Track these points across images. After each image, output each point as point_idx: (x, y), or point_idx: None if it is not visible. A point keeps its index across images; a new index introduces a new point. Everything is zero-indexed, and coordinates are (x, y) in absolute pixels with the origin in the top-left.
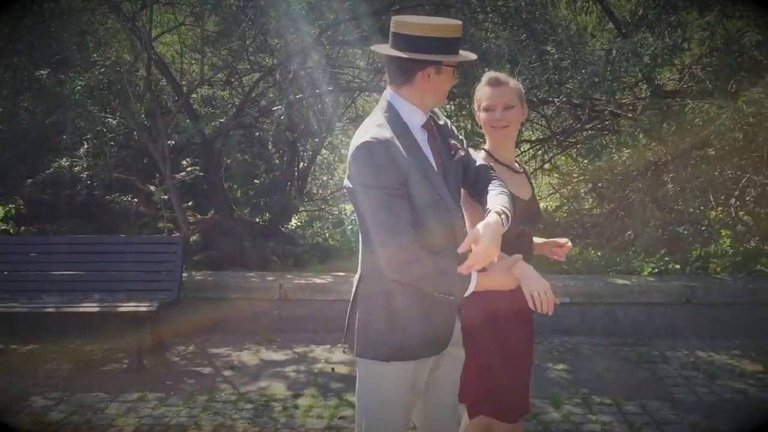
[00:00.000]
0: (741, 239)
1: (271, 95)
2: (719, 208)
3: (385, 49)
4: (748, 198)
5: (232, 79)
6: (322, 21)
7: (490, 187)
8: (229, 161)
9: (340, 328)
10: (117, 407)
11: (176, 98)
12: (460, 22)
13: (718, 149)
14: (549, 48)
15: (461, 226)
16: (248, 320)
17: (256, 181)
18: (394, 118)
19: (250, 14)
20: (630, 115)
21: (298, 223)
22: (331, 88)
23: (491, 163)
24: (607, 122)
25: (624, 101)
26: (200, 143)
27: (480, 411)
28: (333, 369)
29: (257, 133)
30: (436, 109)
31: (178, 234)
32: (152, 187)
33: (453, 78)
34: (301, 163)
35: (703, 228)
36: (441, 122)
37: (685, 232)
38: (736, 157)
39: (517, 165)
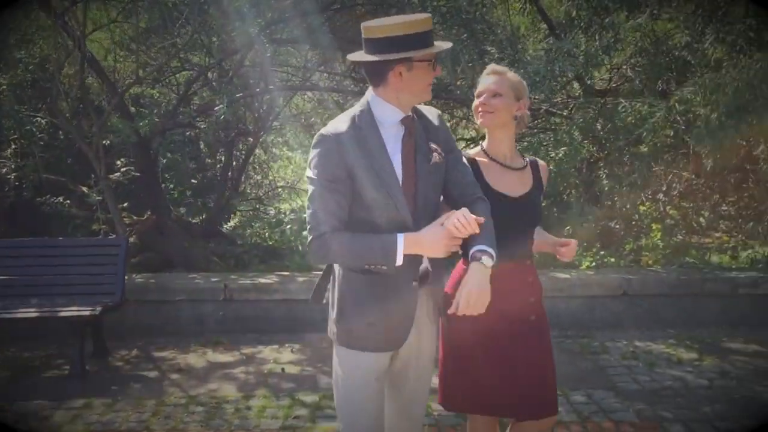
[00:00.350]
0: (670, 233)
1: (204, 94)
2: (647, 203)
3: (356, 55)
4: (674, 193)
5: (168, 78)
6: (261, 19)
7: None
8: (165, 161)
9: (287, 329)
10: (62, 415)
11: (110, 97)
12: (426, 16)
13: (650, 146)
14: (489, 48)
15: (410, 222)
16: (193, 322)
17: (193, 180)
18: (365, 115)
19: (185, 12)
20: (565, 113)
21: (236, 224)
22: (272, 87)
23: (483, 159)
24: (542, 120)
25: (557, 100)
26: (136, 143)
27: (462, 409)
28: (283, 369)
29: (188, 132)
30: (431, 113)
31: (115, 236)
32: (85, 189)
33: (430, 71)
34: (235, 163)
35: (634, 222)
36: (434, 123)
37: (617, 226)
38: (667, 153)
39: (520, 161)
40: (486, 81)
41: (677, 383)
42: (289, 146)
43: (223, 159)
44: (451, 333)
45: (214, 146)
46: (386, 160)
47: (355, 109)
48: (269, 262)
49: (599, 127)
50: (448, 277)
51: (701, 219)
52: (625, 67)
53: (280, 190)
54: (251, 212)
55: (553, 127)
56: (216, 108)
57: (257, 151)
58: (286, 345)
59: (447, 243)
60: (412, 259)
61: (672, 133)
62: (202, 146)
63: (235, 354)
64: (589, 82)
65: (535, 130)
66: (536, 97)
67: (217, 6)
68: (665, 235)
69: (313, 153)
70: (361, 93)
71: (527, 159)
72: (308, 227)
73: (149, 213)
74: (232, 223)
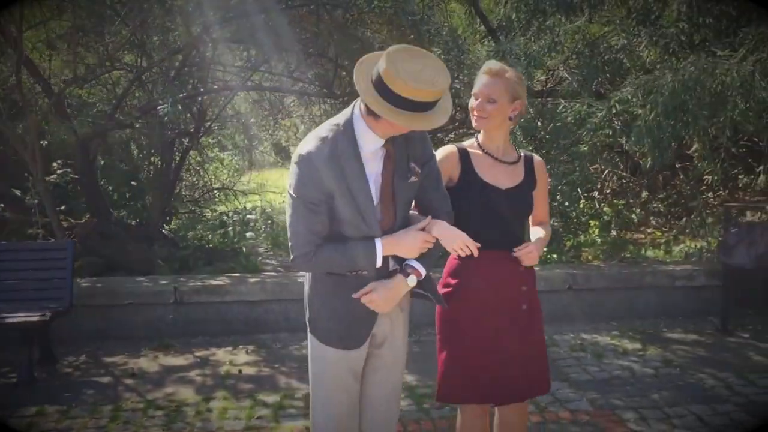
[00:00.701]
0: (606, 229)
1: (138, 94)
2: (583, 201)
3: (358, 77)
4: (607, 191)
5: (101, 78)
6: (203, 18)
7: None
8: (103, 162)
9: (239, 330)
10: (16, 423)
11: (46, 97)
12: (437, 90)
13: (590, 146)
14: (435, 49)
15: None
16: (142, 326)
17: (132, 182)
18: (347, 132)
19: (123, 11)
20: None
21: (177, 226)
22: (216, 86)
23: (476, 151)
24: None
25: None
26: (75, 144)
27: (461, 400)
28: (240, 371)
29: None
30: None
31: (53, 240)
32: (18, 192)
33: (405, 128)
34: (172, 164)
35: (573, 219)
36: (413, 136)
37: (557, 224)
38: (605, 152)
39: (513, 155)
40: (482, 82)
41: (625, 372)
42: (221, 147)
43: (160, 160)
44: (444, 324)
45: (155, 147)
46: (363, 183)
47: (339, 121)
48: (215, 265)
49: (539, 126)
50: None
51: (633, 216)
52: (561, 68)
53: (216, 192)
54: (190, 214)
55: None
56: (159, 108)
57: (192, 152)
58: (240, 347)
59: (422, 246)
60: (381, 266)
61: (611, 132)
62: (133, 147)
63: (189, 357)
64: (528, 83)
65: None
66: None
67: (160, 4)
68: (602, 231)
69: (293, 171)
70: (302, 93)
71: (522, 153)
72: (291, 245)
73: (88, 216)
74: (173, 226)
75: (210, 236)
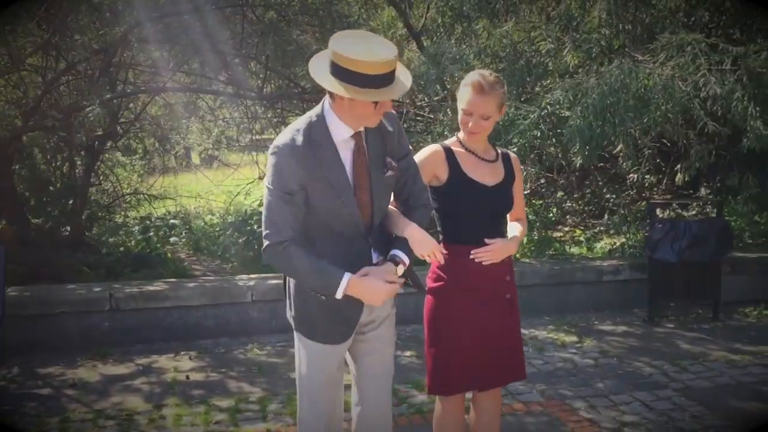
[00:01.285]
0: (530, 228)
1: (55, 95)
2: None
3: (313, 67)
4: (526, 192)
5: (19, 77)
6: (129, 18)
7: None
8: (19, 166)
9: (179, 336)
10: None
11: None
12: (389, 60)
13: (519, 147)
14: None
15: (363, 228)
16: (76, 335)
17: (51, 188)
18: (320, 124)
19: (40, 8)
20: (432, 116)
21: (99, 232)
22: (143, 88)
23: (460, 150)
24: (412, 122)
25: (419, 103)
26: None
27: (453, 390)
28: (188, 377)
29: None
30: (388, 118)
31: None
32: None
33: (371, 108)
34: (93, 168)
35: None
36: (389, 129)
37: None
38: (532, 153)
39: (492, 153)
40: (475, 101)
41: (567, 364)
42: (132, 151)
43: (80, 164)
44: (433, 319)
45: (75, 150)
46: (340, 169)
47: (311, 114)
48: (142, 271)
49: None
50: None
51: (551, 215)
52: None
53: (128, 197)
54: (110, 221)
55: (420, 129)
56: (88, 110)
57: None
58: (183, 353)
59: (385, 298)
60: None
61: (539, 134)
62: (36, 152)
63: (130, 366)
64: (448, 86)
65: (411, 131)
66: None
67: (87, 3)
68: (527, 230)
69: (269, 162)
70: (237, 95)
71: (499, 151)
72: (265, 233)
73: (4, 222)
74: (95, 232)
75: (132, 242)
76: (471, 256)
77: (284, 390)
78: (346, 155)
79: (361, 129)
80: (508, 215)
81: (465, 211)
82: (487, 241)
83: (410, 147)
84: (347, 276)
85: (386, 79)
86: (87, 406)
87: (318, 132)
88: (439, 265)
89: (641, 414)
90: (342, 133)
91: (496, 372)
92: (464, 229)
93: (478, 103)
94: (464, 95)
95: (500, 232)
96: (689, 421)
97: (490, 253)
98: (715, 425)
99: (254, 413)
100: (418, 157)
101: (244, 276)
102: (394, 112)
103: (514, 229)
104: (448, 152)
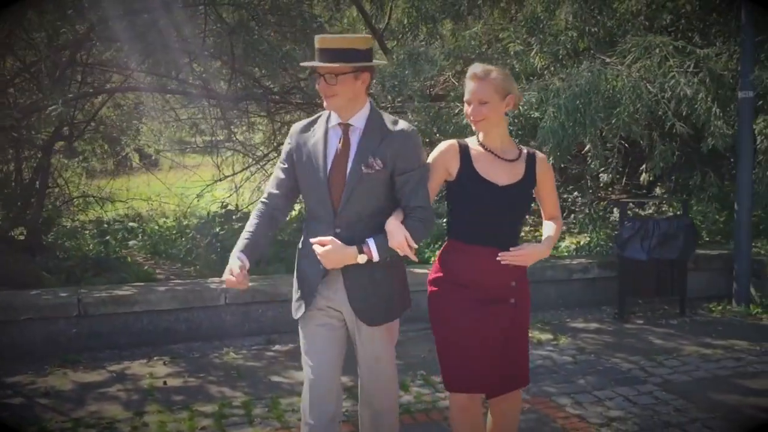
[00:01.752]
0: None
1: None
2: None
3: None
4: None
5: None
6: (91, 16)
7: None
8: None
9: (150, 341)
10: None
11: None
12: (339, 38)
13: None
14: None
15: (330, 209)
16: (42, 342)
17: (6, 190)
18: (325, 116)
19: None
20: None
21: (56, 236)
22: (108, 86)
23: (477, 148)
24: None
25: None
26: None
27: (467, 389)
28: (165, 382)
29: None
30: (400, 137)
31: None
32: None
33: (322, 84)
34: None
35: None
36: (393, 146)
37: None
38: None
39: (514, 152)
40: (472, 88)
41: (547, 361)
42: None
43: (35, 165)
44: (435, 319)
45: (33, 151)
46: (320, 156)
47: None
48: (104, 275)
49: (435, 130)
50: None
51: None
52: (448, 73)
53: (81, 199)
54: (68, 224)
55: None
56: (50, 108)
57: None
58: (156, 358)
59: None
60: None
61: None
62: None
63: (102, 372)
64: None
65: None
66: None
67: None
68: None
69: None
70: (202, 95)
71: (525, 150)
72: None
73: None
74: (51, 236)
75: (90, 246)
76: (498, 258)
77: (267, 394)
78: (334, 141)
79: (353, 123)
80: (542, 214)
81: (470, 208)
82: (512, 249)
83: (418, 167)
84: (239, 255)
85: (334, 54)
86: (64, 415)
87: (324, 118)
88: (439, 264)
89: (626, 409)
90: (332, 120)
91: (496, 380)
92: (469, 226)
93: (474, 90)
94: (466, 87)
95: (508, 234)
96: (674, 414)
97: (518, 258)
98: (701, 417)
99: (240, 418)
100: (433, 151)
101: (217, 279)
102: (410, 130)
103: (549, 228)
104: (463, 148)
